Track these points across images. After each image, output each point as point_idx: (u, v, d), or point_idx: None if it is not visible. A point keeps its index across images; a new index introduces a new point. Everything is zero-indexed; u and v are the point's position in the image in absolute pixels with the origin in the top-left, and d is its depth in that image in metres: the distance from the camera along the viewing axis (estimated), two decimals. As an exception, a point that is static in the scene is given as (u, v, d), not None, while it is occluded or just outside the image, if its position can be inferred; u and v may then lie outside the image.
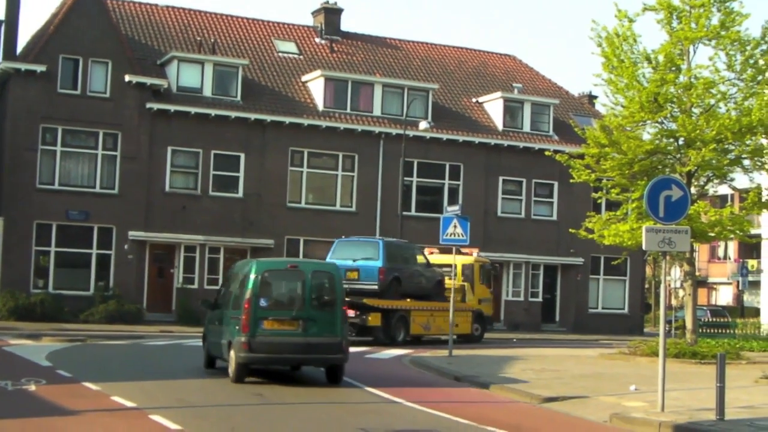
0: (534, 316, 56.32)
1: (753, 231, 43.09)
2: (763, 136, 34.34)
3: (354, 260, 38.59)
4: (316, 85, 52.99)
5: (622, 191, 35.82)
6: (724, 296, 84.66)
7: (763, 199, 35.57)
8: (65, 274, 47.17)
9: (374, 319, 38.16)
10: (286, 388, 22.35)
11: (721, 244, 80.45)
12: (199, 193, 49.37)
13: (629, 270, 58.64)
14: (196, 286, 48.63)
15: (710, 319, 52.16)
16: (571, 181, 37.58)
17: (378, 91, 53.73)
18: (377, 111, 53.40)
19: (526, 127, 57.16)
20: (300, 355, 23.00)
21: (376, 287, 38.32)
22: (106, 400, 19.13)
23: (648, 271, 73.46)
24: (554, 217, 57.24)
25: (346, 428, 17.05)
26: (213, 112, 49.28)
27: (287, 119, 50.82)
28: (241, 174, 50.25)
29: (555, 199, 57.31)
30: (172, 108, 48.62)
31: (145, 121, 48.15)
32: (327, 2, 59.78)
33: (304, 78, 53.96)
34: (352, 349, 34.46)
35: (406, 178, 51.92)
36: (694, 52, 34.43)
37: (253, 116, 50.11)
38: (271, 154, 50.60)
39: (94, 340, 35.71)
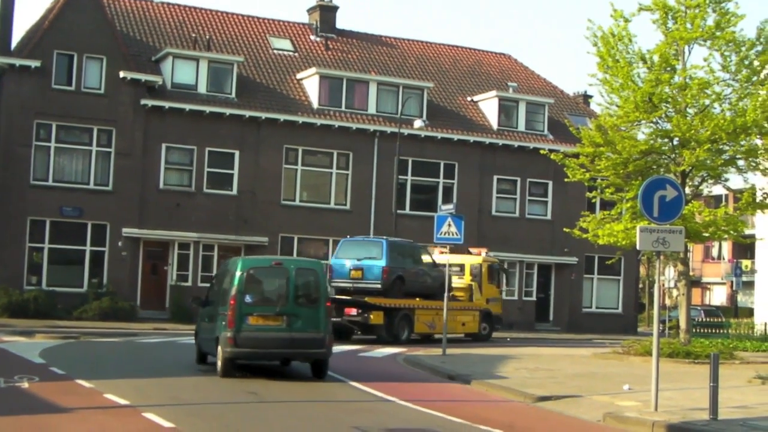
0: (528, 315, 56.33)
1: (747, 231, 43.19)
2: (758, 136, 34.36)
3: (358, 259, 39.24)
4: (311, 83, 52.95)
5: (617, 191, 35.84)
6: (718, 296, 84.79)
7: (758, 200, 35.60)
8: (59, 271, 47.10)
9: (376, 318, 38.48)
10: (280, 386, 22.34)
11: (715, 244, 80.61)
12: (194, 190, 49.33)
13: (623, 269, 58.65)
14: (189, 283, 48.58)
15: (704, 319, 52.16)
16: (566, 180, 37.59)
17: (373, 89, 53.71)
18: (372, 109, 53.39)
19: (521, 126, 57.17)
20: (284, 350, 23.57)
21: (379, 286, 38.85)
22: (99, 397, 19.09)
23: (642, 270, 73.53)
24: (548, 217, 57.27)
25: (340, 426, 17.03)
26: (207, 109, 49.23)
27: (282, 117, 50.80)
28: (236, 171, 50.20)
29: (549, 199, 57.33)
30: (167, 105, 48.58)
31: (139, 118, 48.11)
32: (322, 0, 59.71)
33: (299, 75, 53.93)
34: (347, 348, 35.01)
35: (400, 177, 51.92)
36: (689, 53, 34.49)
37: (247, 113, 50.09)
38: (265, 151, 50.58)
39: (87, 337, 35.70)
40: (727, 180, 37.43)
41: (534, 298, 57.25)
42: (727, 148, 34.54)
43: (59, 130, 47.17)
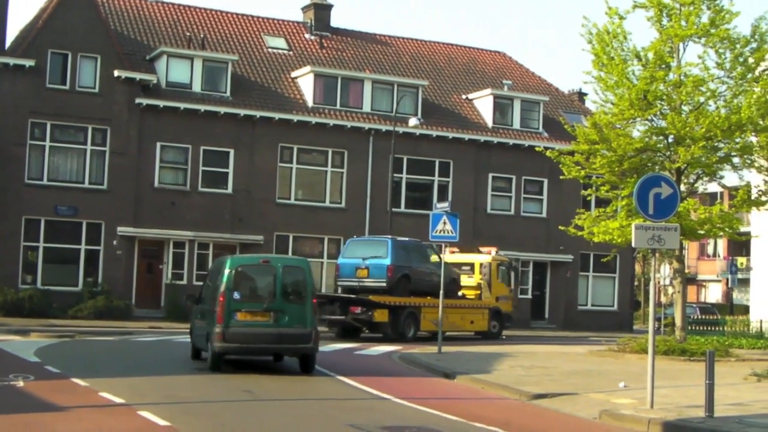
0: (523, 313, 56.25)
1: (742, 229, 43.14)
2: (753, 133, 34.40)
3: (364, 259, 39.77)
4: (305, 81, 52.92)
5: (612, 189, 35.85)
6: (714, 294, 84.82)
7: (753, 197, 35.61)
8: (54, 270, 47.04)
9: (381, 316, 38.79)
10: (276, 384, 22.36)
11: (711, 241, 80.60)
12: (189, 189, 49.28)
13: (619, 267, 58.64)
14: (185, 282, 48.52)
15: (699, 317, 52.17)
16: (561, 177, 37.60)
17: (368, 88, 53.69)
18: (367, 107, 53.36)
19: (516, 124, 57.16)
20: (272, 345, 24.40)
21: (384, 284, 39.35)
22: (95, 396, 19.08)
23: (637, 268, 73.56)
24: (544, 214, 57.26)
25: (335, 424, 17.02)
26: (202, 107, 49.18)
27: (277, 115, 50.76)
28: (231, 170, 50.17)
29: (545, 196, 57.32)
30: (162, 103, 48.53)
31: (134, 117, 48.05)
32: (317, -2, 59.75)
33: (293, 74, 53.89)
34: (344, 345, 35.02)
35: (395, 175, 51.90)
36: (684, 50, 34.49)
37: (242, 112, 50.04)
38: (260, 150, 50.54)
39: (82, 335, 35.65)
40: (722, 177, 37.52)
41: (529, 296, 57.24)
42: (722, 145, 34.56)
43: (54, 129, 47.11)
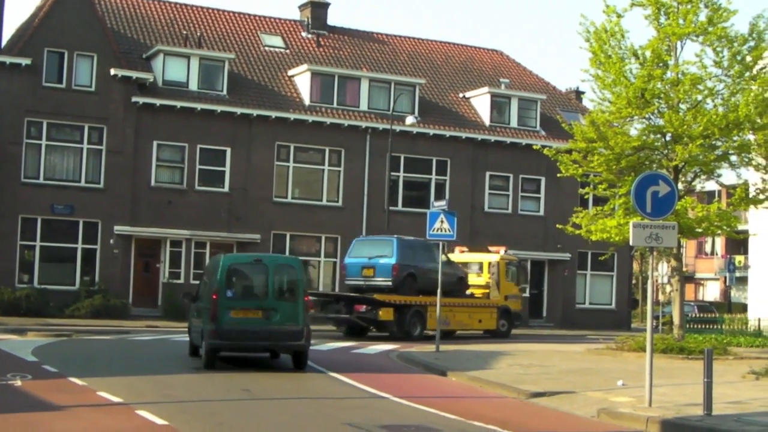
0: (521, 311, 56.24)
1: (740, 227, 43.15)
2: (750, 131, 34.36)
3: (369, 258, 40.23)
4: (302, 80, 52.87)
5: (610, 187, 35.86)
6: (712, 292, 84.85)
7: (751, 195, 35.61)
8: (50, 269, 47.00)
9: (386, 314, 39.00)
10: (273, 382, 22.34)
11: (709, 239, 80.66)
12: (185, 188, 49.24)
13: (616, 265, 58.64)
14: (182, 280, 48.49)
15: (697, 315, 52.19)
16: (559, 175, 37.58)
17: (365, 86, 53.65)
18: (364, 106, 53.33)
19: (513, 123, 57.13)
20: (264, 342, 24.81)
21: (390, 283, 39.71)
22: (92, 395, 19.05)
23: (635, 266, 73.55)
24: (541, 213, 57.25)
25: (333, 423, 16.99)
26: (199, 106, 49.13)
27: (273, 114, 50.72)
28: (227, 168, 50.13)
29: (542, 195, 57.31)
30: (158, 102, 48.49)
31: (130, 115, 48.01)
32: (314, -3, 59.71)
33: (290, 72, 53.85)
34: (341, 344, 35.05)
35: (392, 173, 51.90)
36: (682, 48, 34.45)
37: (239, 110, 50.00)
38: (257, 148, 50.51)
39: (79, 335, 35.62)
40: (719, 176, 37.49)
41: (527, 294, 57.19)
42: (720, 143, 34.55)
43: (50, 128, 47.06)
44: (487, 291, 44.66)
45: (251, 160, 50.38)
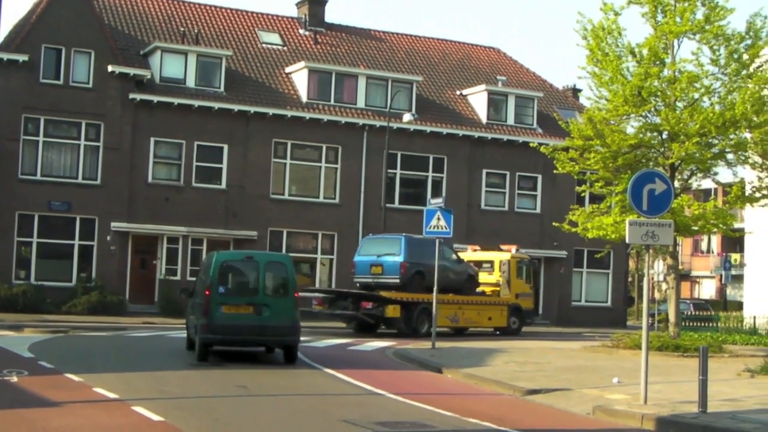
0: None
1: (736, 225, 43.20)
2: (747, 130, 34.36)
3: (378, 256, 40.81)
4: (299, 77, 52.88)
5: (606, 185, 35.86)
6: (707, 290, 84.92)
7: (747, 193, 35.62)
8: (47, 265, 46.99)
9: (393, 311, 39.44)
10: (270, 379, 22.37)
11: (705, 237, 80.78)
12: (182, 185, 49.25)
13: (612, 263, 58.71)
14: (178, 277, 48.50)
15: (693, 313, 52.29)
16: (555, 171, 37.58)
17: (362, 83, 53.66)
18: (361, 103, 53.34)
19: (510, 120, 57.16)
20: (255, 337, 25.65)
21: (397, 281, 40.26)
22: (89, 391, 19.06)
23: (631, 264, 73.64)
24: (538, 210, 57.27)
25: (329, 419, 17.02)
26: (196, 103, 49.14)
27: (271, 111, 50.72)
28: (224, 165, 50.14)
29: (539, 192, 57.34)
30: (155, 99, 48.49)
31: (127, 112, 48.01)
32: (311, -7, 59.68)
33: (287, 69, 53.85)
34: (337, 341, 35.05)
35: (389, 171, 51.90)
36: (679, 46, 34.46)
37: (236, 107, 50.00)
38: (254, 145, 50.51)
39: (76, 331, 35.62)
40: (716, 174, 37.49)
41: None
42: (716, 141, 34.54)
43: (47, 125, 47.06)
44: (498, 289, 45.02)
45: (248, 157, 50.39)
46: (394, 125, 51.23)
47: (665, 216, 20.99)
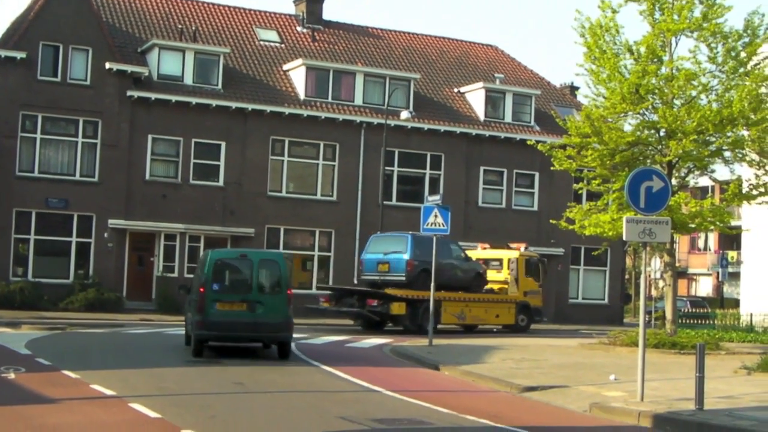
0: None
1: (733, 222, 43.17)
2: (744, 127, 34.34)
3: (385, 254, 41.21)
4: (297, 74, 52.88)
5: (603, 182, 35.83)
6: (704, 287, 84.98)
7: (744, 191, 35.60)
8: (44, 262, 46.98)
9: (398, 309, 39.80)
10: (267, 376, 22.39)
11: (702, 235, 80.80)
12: (180, 182, 49.23)
13: (609, 260, 58.72)
14: (176, 274, 48.51)
15: (690, 310, 52.31)
16: (552, 168, 37.60)
17: (359, 81, 53.65)
18: (358, 100, 53.33)
19: (508, 118, 57.16)
20: (248, 333, 26.10)
21: (403, 278, 40.60)
22: (86, 388, 19.08)
23: (628, 261, 73.65)
24: (535, 208, 57.28)
25: (326, 416, 17.03)
26: (194, 100, 49.13)
27: (268, 108, 50.71)
28: (222, 163, 50.13)
29: (536, 190, 57.35)
30: (153, 96, 48.47)
31: (125, 109, 47.99)
32: (309, -9, 59.64)
33: (285, 67, 53.84)
34: (334, 338, 35.09)
35: (387, 168, 51.93)
36: (676, 44, 34.43)
37: (234, 105, 49.99)
38: (251, 142, 50.50)
39: (73, 328, 35.63)
40: (713, 171, 37.54)
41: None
42: (714, 139, 34.52)
43: (45, 122, 47.04)
44: (506, 287, 45.42)
45: (246, 155, 50.38)
46: (392, 122, 51.24)
47: (662, 213, 21.05)
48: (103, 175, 47.53)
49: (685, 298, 62.72)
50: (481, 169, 56.08)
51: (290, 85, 52.79)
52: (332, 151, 52.62)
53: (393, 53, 59.97)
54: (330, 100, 52.67)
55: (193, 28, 53.76)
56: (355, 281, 50.19)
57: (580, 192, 42.33)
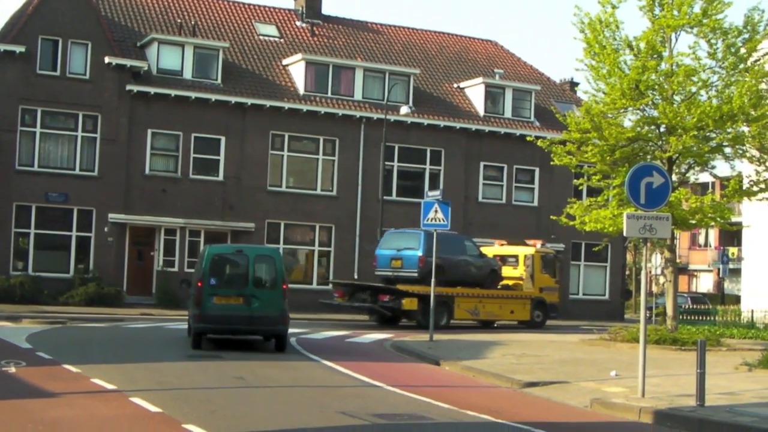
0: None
1: (734, 219, 43.27)
2: (744, 123, 34.35)
3: (398, 250, 41.69)
4: (296, 69, 52.83)
5: (604, 178, 35.84)
6: (705, 283, 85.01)
7: (744, 187, 35.61)
8: (45, 257, 46.96)
9: (410, 304, 39.91)
10: (267, 371, 22.38)
11: (702, 231, 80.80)
12: (179, 176, 49.20)
13: (610, 256, 58.68)
14: (176, 269, 48.49)
15: (691, 306, 52.29)
16: (552, 163, 37.59)
17: (359, 76, 53.61)
18: (358, 95, 53.29)
19: (508, 113, 57.12)
20: (244, 326, 26.74)
21: (416, 274, 40.74)
22: (86, 382, 19.08)
23: (629, 257, 73.62)
24: (535, 203, 57.25)
25: (326, 411, 17.02)
26: (193, 94, 49.09)
27: (268, 103, 50.67)
28: (222, 157, 50.09)
29: (536, 185, 57.32)
30: (152, 90, 48.42)
31: (124, 104, 47.95)
32: (308, -14, 59.58)
33: (284, 61, 53.79)
34: (335, 333, 35.10)
35: (386, 163, 51.90)
36: (676, 40, 34.47)
37: (233, 99, 49.95)
38: (251, 137, 50.47)
39: (74, 322, 35.61)
40: (713, 167, 37.51)
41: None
42: (714, 135, 34.55)
43: (44, 116, 46.99)
44: (521, 283, 45.79)
45: (245, 149, 50.35)
46: (392, 118, 51.21)
47: (663, 209, 21.03)
48: (103, 170, 47.50)
49: (685, 295, 62.74)
50: (481, 164, 56.04)
51: (290, 79, 52.75)
52: (332, 146, 52.59)
53: (393, 48, 59.93)
54: (329, 95, 52.62)
55: (193, 22, 53.71)
56: (356, 276, 50.28)
57: (580, 188, 42.34)
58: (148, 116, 48.48)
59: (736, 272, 66.24)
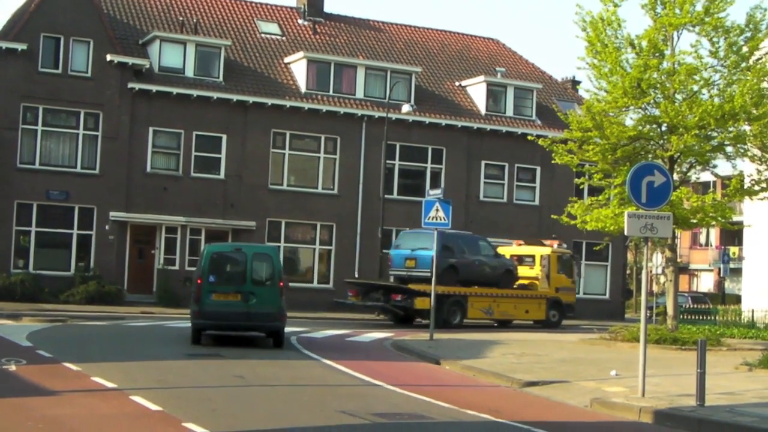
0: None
1: (735, 218, 43.20)
2: (746, 122, 34.32)
3: (412, 250, 41.92)
4: (298, 67, 52.82)
5: (605, 177, 35.83)
6: (706, 283, 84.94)
7: (746, 186, 35.60)
8: (45, 255, 46.97)
9: (422, 303, 39.71)
10: (267, 369, 22.37)
11: (703, 230, 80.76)
12: (181, 174, 49.19)
13: (611, 255, 58.66)
14: (177, 267, 48.51)
15: (691, 306, 52.27)
16: (553, 162, 37.58)
17: (361, 74, 53.59)
18: (360, 93, 53.27)
19: (509, 112, 57.09)
20: (242, 322, 27.33)
21: (429, 274, 39.81)
22: (87, 380, 19.08)
23: (630, 256, 73.62)
24: (536, 202, 57.23)
25: (327, 410, 17.01)
26: (195, 92, 49.08)
27: (269, 101, 50.66)
28: (223, 155, 50.08)
29: (537, 184, 57.29)
30: (154, 88, 48.41)
31: (126, 101, 47.94)
32: (310, -16, 59.55)
33: (286, 59, 53.77)
34: (335, 332, 35.09)
35: (388, 161, 51.88)
36: (678, 38, 34.43)
37: (235, 97, 49.93)
38: (252, 135, 50.46)
39: (74, 320, 35.62)
40: (715, 166, 37.45)
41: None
42: (715, 134, 34.53)
43: (46, 114, 47.00)
44: (537, 282, 45.99)
45: (247, 147, 50.34)
46: (393, 116, 51.20)
47: (664, 208, 21.00)
48: (104, 168, 47.50)
49: (686, 294, 62.66)
50: (483, 163, 56.02)
51: (291, 77, 52.74)
52: (333, 145, 52.57)
53: (394, 46, 59.90)
54: (331, 93, 52.61)
55: (194, 20, 53.69)
56: (356, 274, 50.26)
57: (581, 187, 42.29)
58: (149, 114, 48.48)
59: (737, 272, 66.19)
